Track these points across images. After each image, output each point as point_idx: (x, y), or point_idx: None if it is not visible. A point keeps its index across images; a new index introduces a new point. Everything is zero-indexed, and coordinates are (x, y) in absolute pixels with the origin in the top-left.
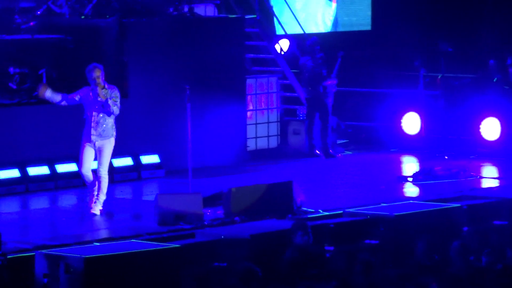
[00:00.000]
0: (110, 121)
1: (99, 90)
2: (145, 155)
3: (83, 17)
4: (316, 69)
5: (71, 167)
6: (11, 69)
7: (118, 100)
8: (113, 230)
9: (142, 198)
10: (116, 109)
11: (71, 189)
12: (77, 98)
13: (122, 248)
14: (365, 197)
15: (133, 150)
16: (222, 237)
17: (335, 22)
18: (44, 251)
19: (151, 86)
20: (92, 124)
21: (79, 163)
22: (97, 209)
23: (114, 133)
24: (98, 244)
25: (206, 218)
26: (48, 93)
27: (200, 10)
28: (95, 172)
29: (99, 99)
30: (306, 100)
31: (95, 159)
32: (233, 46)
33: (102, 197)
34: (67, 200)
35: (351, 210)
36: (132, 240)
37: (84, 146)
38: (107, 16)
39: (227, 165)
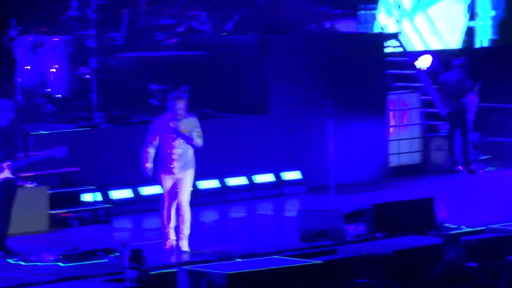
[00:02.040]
0: (191, 152)
1: (183, 124)
2: (287, 171)
3: (224, 33)
4: (461, 85)
5: (212, 183)
6: (153, 86)
7: (200, 130)
8: (255, 246)
9: (284, 215)
10: (200, 141)
11: (213, 205)
12: (156, 140)
13: (264, 264)
14: (508, 213)
15: (275, 167)
16: (364, 253)
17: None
18: (186, 267)
19: (292, 103)
20: (174, 156)
21: (163, 197)
22: (186, 244)
23: (194, 164)
24: (240, 260)
25: (348, 234)
26: (150, 165)
27: (341, 26)
28: None
29: (180, 130)
30: (448, 115)
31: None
32: (374, 62)
33: (188, 231)
34: (209, 216)
35: (494, 226)
36: (274, 256)
37: (165, 179)
38: (248, 33)
39: (369, 181)
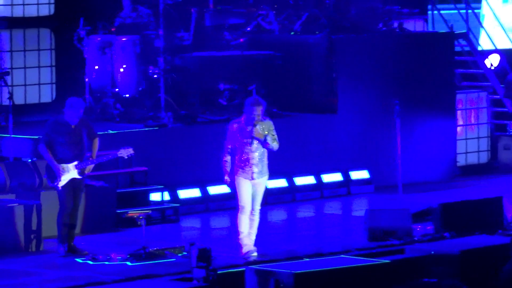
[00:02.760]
0: (266, 157)
1: (258, 128)
2: (354, 170)
3: (292, 33)
4: None
5: (280, 182)
6: (221, 86)
7: (275, 133)
8: (323, 246)
9: (351, 214)
10: (276, 145)
11: (280, 204)
12: (230, 146)
13: (332, 263)
14: None
15: (343, 166)
16: (432, 252)
17: None
18: (254, 266)
19: (360, 102)
20: (253, 161)
21: (242, 202)
22: (254, 248)
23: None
24: (308, 259)
25: (415, 233)
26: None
27: (409, 25)
28: None
29: (256, 134)
30: None
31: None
32: (442, 61)
33: (254, 236)
34: (276, 215)
35: None
36: (341, 256)
37: (244, 184)
38: (316, 32)
39: (437, 181)
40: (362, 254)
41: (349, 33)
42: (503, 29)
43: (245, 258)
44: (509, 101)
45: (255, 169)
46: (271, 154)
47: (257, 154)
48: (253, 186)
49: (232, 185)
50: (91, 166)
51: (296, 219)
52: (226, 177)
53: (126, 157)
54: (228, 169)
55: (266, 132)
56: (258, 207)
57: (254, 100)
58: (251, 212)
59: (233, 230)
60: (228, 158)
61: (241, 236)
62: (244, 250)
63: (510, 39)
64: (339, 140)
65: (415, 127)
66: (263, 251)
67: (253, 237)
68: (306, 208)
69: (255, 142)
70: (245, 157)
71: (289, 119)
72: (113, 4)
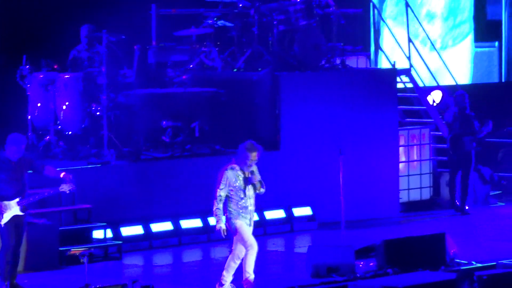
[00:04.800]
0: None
1: (255, 175)
2: (297, 207)
3: (235, 70)
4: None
5: None
6: (164, 123)
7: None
8: (266, 283)
9: (294, 250)
10: (263, 190)
11: (224, 241)
12: (222, 193)
13: None
14: None
15: (285, 202)
16: None
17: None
18: None
19: (303, 138)
20: (251, 207)
21: (249, 239)
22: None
23: None
24: None
25: (358, 270)
26: (224, 226)
27: (352, 62)
28: None
29: (254, 181)
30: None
31: None
32: (385, 97)
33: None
34: (220, 253)
35: (504, 261)
36: None
37: (246, 229)
38: (260, 69)
39: (380, 217)
40: None
41: (293, 70)
42: (445, 65)
43: None
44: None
45: (251, 215)
46: (214, 191)
47: (253, 200)
48: (249, 226)
49: (229, 232)
50: (32, 203)
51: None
52: (222, 225)
53: (68, 192)
54: (223, 217)
55: (258, 177)
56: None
57: (252, 145)
58: (251, 251)
59: (176, 267)
60: (220, 206)
61: (228, 277)
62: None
63: (452, 76)
64: (282, 176)
65: (358, 164)
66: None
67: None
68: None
69: (252, 188)
70: (244, 204)
71: (233, 156)
72: (57, 41)
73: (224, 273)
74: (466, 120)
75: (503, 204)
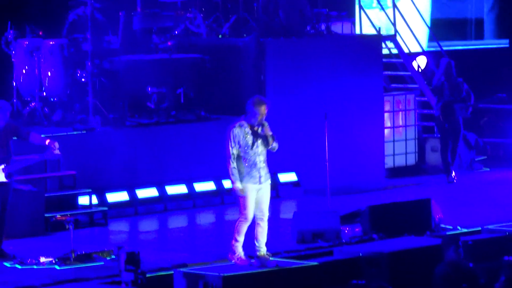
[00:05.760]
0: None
1: (266, 129)
2: (283, 173)
3: (220, 36)
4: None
5: (209, 185)
6: (149, 89)
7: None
8: (251, 248)
9: (280, 216)
10: (276, 145)
11: (209, 207)
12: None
13: (261, 266)
14: (504, 214)
15: (271, 169)
16: (360, 254)
17: None
18: (183, 269)
19: (288, 105)
20: (260, 164)
21: (247, 209)
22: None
23: None
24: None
25: (344, 236)
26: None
27: (337, 28)
28: None
29: (265, 133)
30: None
31: None
32: (370, 63)
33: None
34: (205, 218)
35: (490, 227)
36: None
37: (251, 190)
38: (245, 35)
39: (365, 183)
40: (291, 256)
41: (278, 36)
42: (430, 30)
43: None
44: (435, 103)
45: (262, 173)
46: (199, 157)
47: (263, 157)
48: (259, 191)
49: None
50: (18, 169)
51: (224, 222)
52: (238, 185)
53: (53, 157)
54: (238, 175)
55: (269, 132)
56: (267, 213)
57: (259, 100)
58: (261, 219)
59: (161, 233)
60: (235, 164)
61: (238, 244)
62: (236, 256)
63: (438, 42)
64: None
65: (343, 130)
66: (192, 253)
67: (263, 245)
68: (235, 211)
69: (261, 144)
70: (252, 161)
71: (218, 122)
72: (43, 7)
73: (235, 235)
74: (456, 87)
75: (488, 169)
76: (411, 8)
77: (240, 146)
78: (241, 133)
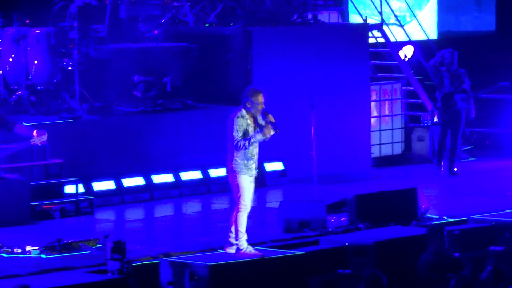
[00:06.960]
0: None
1: (270, 117)
2: (269, 162)
3: (207, 25)
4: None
5: (195, 174)
6: (136, 77)
7: None
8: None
9: (266, 205)
10: (277, 131)
11: (195, 196)
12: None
13: (247, 255)
14: (490, 204)
15: (258, 158)
16: (347, 244)
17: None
18: (169, 258)
19: (275, 93)
20: (256, 155)
21: (247, 199)
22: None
23: None
24: (222, 251)
25: (330, 225)
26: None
27: (324, 17)
28: None
29: (268, 119)
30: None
31: None
32: (356, 52)
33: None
34: (191, 207)
35: (476, 216)
36: (256, 247)
37: (248, 181)
38: (232, 24)
39: (351, 172)
40: (277, 245)
41: (265, 25)
42: (417, 20)
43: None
44: (423, 92)
45: (256, 164)
46: (186, 146)
47: (257, 149)
48: (251, 182)
49: (233, 181)
50: (4, 158)
51: (211, 211)
52: (261, 122)
53: (40, 144)
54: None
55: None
56: (251, 203)
57: (255, 89)
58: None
59: (147, 222)
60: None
61: (243, 237)
62: (244, 250)
63: (424, 31)
64: None
65: (329, 119)
66: (178, 243)
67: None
68: (221, 200)
69: (258, 135)
70: (250, 152)
71: (205, 110)
72: None
73: (239, 228)
74: (457, 77)
75: (475, 159)
76: None
77: (244, 136)
78: (244, 123)
